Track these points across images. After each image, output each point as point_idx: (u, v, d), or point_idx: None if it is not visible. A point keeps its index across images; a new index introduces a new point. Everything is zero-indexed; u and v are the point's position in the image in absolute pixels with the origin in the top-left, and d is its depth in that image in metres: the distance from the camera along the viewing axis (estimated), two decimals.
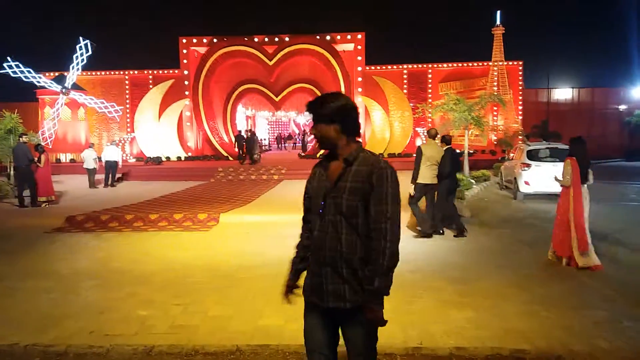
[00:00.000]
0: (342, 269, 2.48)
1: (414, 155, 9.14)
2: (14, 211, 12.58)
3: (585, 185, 6.74)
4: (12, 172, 14.86)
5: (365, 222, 2.49)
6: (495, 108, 26.77)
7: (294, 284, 2.77)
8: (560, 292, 5.63)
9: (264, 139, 36.92)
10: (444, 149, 9.10)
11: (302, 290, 2.70)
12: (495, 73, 27.20)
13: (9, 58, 22.61)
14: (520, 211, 11.99)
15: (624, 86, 36.30)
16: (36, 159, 13.18)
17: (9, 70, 22.61)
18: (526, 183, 13.31)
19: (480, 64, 27.94)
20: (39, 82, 23.57)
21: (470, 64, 28.11)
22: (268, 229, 9.63)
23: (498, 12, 27.83)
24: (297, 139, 37.05)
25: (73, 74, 24.11)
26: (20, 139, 13.55)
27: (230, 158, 25.65)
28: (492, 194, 15.22)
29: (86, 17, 51.05)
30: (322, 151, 2.59)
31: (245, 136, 24.31)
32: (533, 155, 13.69)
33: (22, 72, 23.01)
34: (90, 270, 6.99)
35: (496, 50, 27.59)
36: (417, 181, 8.79)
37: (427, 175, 8.77)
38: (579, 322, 4.68)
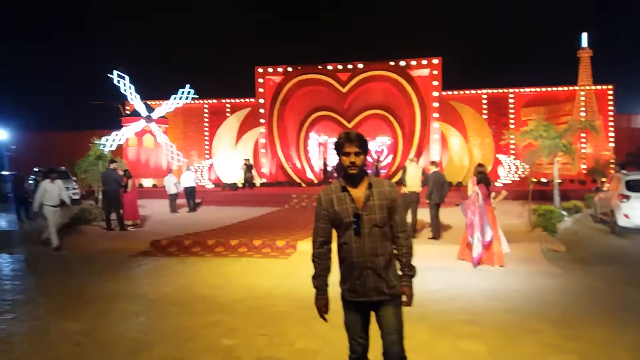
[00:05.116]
0: (381, 270, 3.08)
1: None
2: (102, 234, 12.97)
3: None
4: (99, 197, 15.45)
5: (390, 229, 3.15)
6: (583, 135, 25.28)
7: (328, 302, 3.25)
8: None
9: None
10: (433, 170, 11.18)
11: (342, 295, 3.22)
12: (583, 98, 25.78)
13: (116, 71, 24.78)
14: (619, 247, 10.98)
15: None
16: (124, 184, 13.67)
17: (115, 77, 24.67)
18: (625, 216, 12.18)
19: (566, 88, 26.63)
20: (131, 99, 25.47)
21: (554, 89, 26.85)
22: None
23: (584, 34, 26.62)
24: (372, 166, 36.69)
25: (165, 107, 26.08)
26: (110, 165, 13.85)
27: (303, 185, 25.78)
28: (586, 227, 14.03)
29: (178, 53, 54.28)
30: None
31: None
32: (633, 186, 12.56)
33: (124, 84, 24.89)
34: (175, 296, 7.04)
35: (582, 74, 26.25)
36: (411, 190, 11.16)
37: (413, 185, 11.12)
38: None
